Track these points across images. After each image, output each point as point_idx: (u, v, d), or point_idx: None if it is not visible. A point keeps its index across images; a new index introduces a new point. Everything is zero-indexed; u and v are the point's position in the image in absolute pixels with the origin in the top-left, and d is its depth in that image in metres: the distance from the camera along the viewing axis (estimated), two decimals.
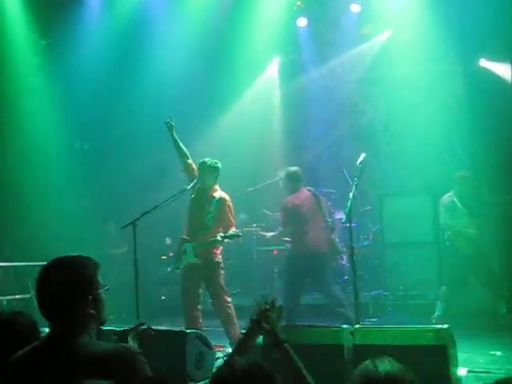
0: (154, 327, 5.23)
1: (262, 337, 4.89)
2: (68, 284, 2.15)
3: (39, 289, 2.19)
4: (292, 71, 10.91)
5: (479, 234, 7.13)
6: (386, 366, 1.77)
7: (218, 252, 6.32)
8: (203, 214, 6.25)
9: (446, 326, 4.21)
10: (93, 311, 2.19)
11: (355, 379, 1.78)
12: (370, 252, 8.88)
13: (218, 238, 6.01)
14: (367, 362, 1.82)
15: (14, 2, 8.45)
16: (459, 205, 7.20)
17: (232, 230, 6.14)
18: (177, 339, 4.53)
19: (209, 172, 6.28)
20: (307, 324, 4.60)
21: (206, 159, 6.32)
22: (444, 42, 8.63)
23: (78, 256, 2.29)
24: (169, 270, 7.47)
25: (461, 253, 7.08)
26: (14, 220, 9.11)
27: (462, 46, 8.44)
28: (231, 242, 6.32)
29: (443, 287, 7.19)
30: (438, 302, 7.15)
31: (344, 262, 8.89)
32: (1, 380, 2.20)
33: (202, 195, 6.35)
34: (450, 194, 7.28)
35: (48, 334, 2.20)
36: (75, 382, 2.00)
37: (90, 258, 2.28)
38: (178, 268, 6.43)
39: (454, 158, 9.23)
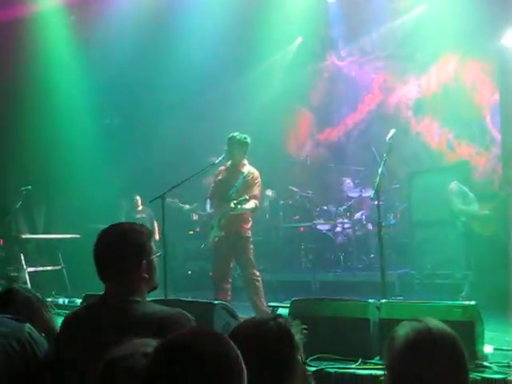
0: (182, 299, 5.36)
1: (288, 310, 4.96)
2: (124, 248, 2.27)
3: (97, 252, 2.30)
4: (322, 48, 10.80)
5: (494, 215, 7.04)
6: (432, 320, 1.72)
7: (248, 227, 6.34)
8: (228, 188, 6.26)
9: (473, 302, 4.20)
10: (146, 275, 2.30)
11: (405, 337, 1.70)
12: (398, 230, 8.84)
13: (232, 205, 5.92)
14: (407, 323, 1.75)
15: None
16: (468, 191, 7.13)
17: (251, 200, 6.06)
18: (204, 310, 4.58)
19: (238, 147, 6.25)
20: (334, 298, 4.62)
21: (236, 134, 6.29)
22: (477, 17, 8.43)
23: (133, 223, 2.42)
24: (202, 246, 7.55)
25: (480, 237, 7.01)
26: (47, 194, 9.27)
27: (495, 21, 8.22)
28: (249, 211, 6.16)
29: (470, 272, 7.13)
30: (466, 284, 7.11)
31: (370, 240, 8.89)
32: (55, 336, 2.33)
33: (231, 170, 6.37)
34: (455, 181, 7.20)
35: (103, 295, 2.31)
36: (129, 340, 2.07)
37: (143, 225, 2.40)
38: (208, 242, 6.53)
39: (484, 135, 9.10)
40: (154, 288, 2.40)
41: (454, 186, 7.19)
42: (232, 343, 1.43)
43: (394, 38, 10.02)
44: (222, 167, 6.47)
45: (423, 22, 9.42)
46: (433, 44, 9.50)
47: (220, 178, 6.43)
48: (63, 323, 2.35)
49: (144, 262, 2.30)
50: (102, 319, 2.20)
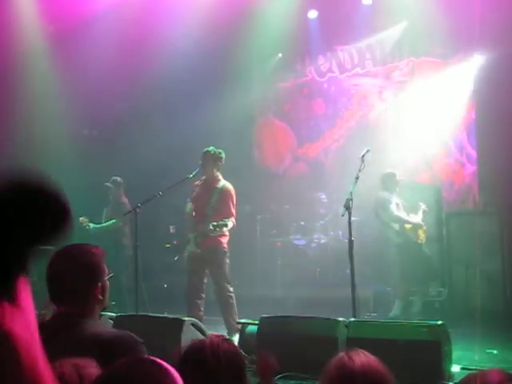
0: (151, 314, 5.31)
1: (256, 327, 4.93)
2: (80, 271, 2.27)
3: (51, 274, 2.27)
4: (302, 64, 10.87)
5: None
6: (360, 357, 1.77)
7: (224, 241, 6.32)
8: (204, 204, 6.27)
9: (440, 322, 4.21)
10: (101, 297, 2.31)
11: (329, 372, 1.78)
12: (373, 247, 8.84)
13: (210, 227, 5.95)
14: (341, 354, 1.82)
15: None
16: (397, 200, 7.28)
17: (229, 220, 6.09)
18: (172, 326, 4.55)
19: (212, 161, 6.24)
20: (303, 315, 4.61)
21: (210, 148, 6.29)
22: (457, 35, 8.56)
23: (87, 244, 2.41)
24: (175, 258, 7.51)
25: (415, 245, 7.13)
26: None
27: (474, 39, 8.33)
28: (227, 230, 6.19)
29: (402, 285, 7.16)
30: (397, 301, 7.09)
31: (346, 256, 8.88)
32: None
33: (205, 185, 6.36)
34: (385, 192, 7.32)
35: (55, 315, 2.29)
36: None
37: (97, 246, 2.40)
38: (182, 256, 6.53)
39: (460, 151, 9.20)
40: (105, 308, 2.42)
41: (384, 194, 7.29)
42: (171, 371, 1.42)
43: (373, 55, 10.12)
44: (198, 182, 6.46)
45: (402, 40, 9.55)
46: (411, 62, 9.62)
47: (195, 194, 6.42)
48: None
49: (99, 283, 2.31)
50: (51, 339, 2.18)
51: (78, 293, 2.26)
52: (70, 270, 2.26)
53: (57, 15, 8.40)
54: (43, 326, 2.28)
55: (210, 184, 6.32)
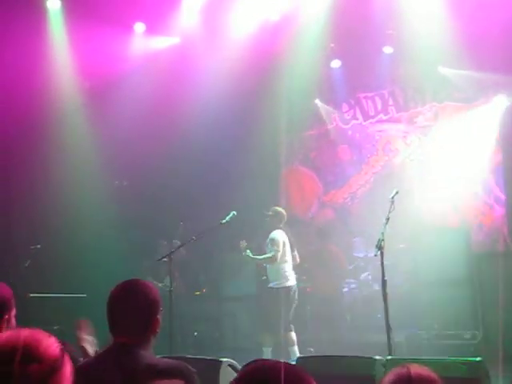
0: (188, 356, 5.33)
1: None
2: (144, 305, 2.37)
3: (115, 305, 2.38)
4: (326, 111, 11.11)
5: None
6: (416, 368, 1.87)
7: None
8: None
9: (479, 358, 4.17)
10: (158, 330, 2.41)
11: (387, 379, 1.86)
12: (404, 290, 8.78)
13: None
14: (394, 368, 1.90)
15: (62, 46, 8.90)
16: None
17: None
18: (210, 367, 4.57)
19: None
20: (339, 355, 4.61)
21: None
22: (480, 78, 8.72)
23: (143, 280, 2.51)
24: None
25: None
26: (56, 254, 9.32)
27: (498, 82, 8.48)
28: None
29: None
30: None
31: (376, 301, 8.82)
32: None
33: None
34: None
35: (114, 344, 2.37)
36: None
37: (151, 282, 2.52)
38: None
39: (488, 194, 9.21)
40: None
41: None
42: None
43: (396, 102, 10.31)
44: None
45: (424, 85, 9.75)
46: (434, 107, 9.78)
47: None
48: (74, 371, 2.41)
49: (158, 317, 2.40)
50: (109, 370, 2.27)
51: (139, 325, 2.34)
52: (134, 303, 2.34)
53: (92, 73, 8.80)
54: (101, 354, 2.41)
55: None
